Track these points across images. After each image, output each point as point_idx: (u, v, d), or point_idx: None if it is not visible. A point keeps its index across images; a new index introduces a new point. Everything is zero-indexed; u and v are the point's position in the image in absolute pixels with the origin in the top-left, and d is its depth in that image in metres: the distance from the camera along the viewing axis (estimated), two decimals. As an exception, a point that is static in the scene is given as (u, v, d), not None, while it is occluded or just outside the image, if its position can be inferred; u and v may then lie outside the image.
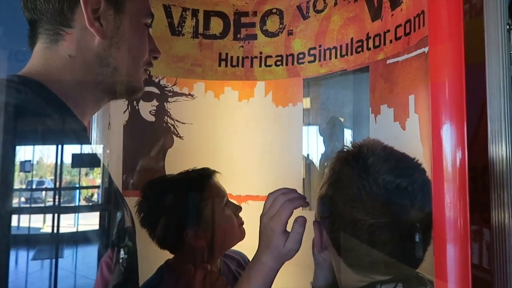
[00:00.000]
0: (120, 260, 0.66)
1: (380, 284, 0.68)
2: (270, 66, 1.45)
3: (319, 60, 1.36)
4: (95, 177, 0.68)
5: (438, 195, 0.44)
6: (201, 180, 1.06)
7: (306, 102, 1.42)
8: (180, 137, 1.41)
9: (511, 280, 0.47)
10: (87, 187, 0.64)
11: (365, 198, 0.66)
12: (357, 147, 0.71)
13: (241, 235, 1.06)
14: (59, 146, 0.61)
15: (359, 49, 1.26)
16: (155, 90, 1.39)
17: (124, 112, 1.34)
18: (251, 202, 1.40)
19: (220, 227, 1.04)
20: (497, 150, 0.54)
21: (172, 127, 1.41)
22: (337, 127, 1.46)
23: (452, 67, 0.44)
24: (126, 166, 1.33)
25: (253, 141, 1.44)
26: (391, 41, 1.16)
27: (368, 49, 1.23)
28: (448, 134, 0.45)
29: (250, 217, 1.09)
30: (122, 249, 0.67)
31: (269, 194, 0.78)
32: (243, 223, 1.06)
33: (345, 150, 0.73)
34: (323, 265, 0.85)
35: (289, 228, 0.74)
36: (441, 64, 0.45)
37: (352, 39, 1.28)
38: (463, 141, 0.43)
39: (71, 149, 0.64)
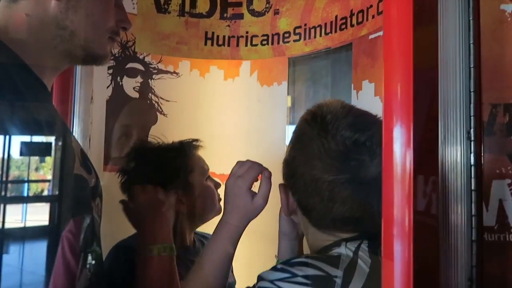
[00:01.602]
0: (87, 265, 0.66)
1: (346, 242, 0.67)
2: (256, 45, 1.44)
3: (304, 39, 1.36)
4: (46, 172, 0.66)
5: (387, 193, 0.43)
6: (187, 149, 1.07)
7: (291, 81, 1.41)
8: (164, 114, 1.41)
9: (454, 225, 0.47)
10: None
11: (324, 156, 0.66)
12: (316, 107, 0.71)
13: (219, 209, 1.07)
14: (17, 103, 0.61)
15: (343, 26, 1.26)
16: (139, 66, 1.39)
17: (107, 87, 1.34)
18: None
19: (201, 197, 1.06)
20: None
21: (156, 104, 1.40)
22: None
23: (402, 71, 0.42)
24: (108, 141, 1.32)
25: (237, 120, 1.44)
26: (373, 16, 1.15)
27: (352, 25, 1.23)
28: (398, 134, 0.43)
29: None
30: (90, 254, 0.67)
31: (237, 161, 0.80)
32: (221, 200, 1.07)
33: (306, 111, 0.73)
34: (291, 235, 0.84)
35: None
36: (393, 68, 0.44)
37: (336, 16, 1.28)
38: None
39: (30, 110, 0.63)
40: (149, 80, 1.40)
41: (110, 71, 1.34)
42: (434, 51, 0.46)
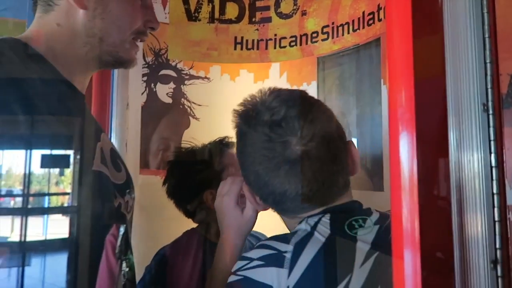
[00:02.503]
0: (122, 272, 0.69)
1: (307, 218, 0.68)
2: (284, 47, 1.45)
3: (332, 38, 1.35)
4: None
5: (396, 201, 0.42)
6: (215, 149, 1.11)
7: (321, 81, 1.40)
8: (196, 118, 1.45)
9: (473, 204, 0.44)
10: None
11: (253, 149, 0.68)
12: (239, 104, 0.73)
13: None
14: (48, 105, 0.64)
15: (371, 22, 1.23)
16: (172, 73, 1.44)
17: (142, 93, 1.40)
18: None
19: None
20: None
21: (188, 108, 1.44)
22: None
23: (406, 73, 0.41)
24: (144, 146, 1.38)
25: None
26: (401, 8, 1.12)
27: (379, 20, 1.21)
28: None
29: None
30: (124, 262, 0.70)
31: (221, 181, 0.82)
32: None
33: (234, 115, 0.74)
34: None
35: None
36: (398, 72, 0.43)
37: (363, 12, 1.26)
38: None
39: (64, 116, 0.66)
40: (181, 85, 1.45)
41: (145, 78, 1.40)
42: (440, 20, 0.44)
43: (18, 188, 0.54)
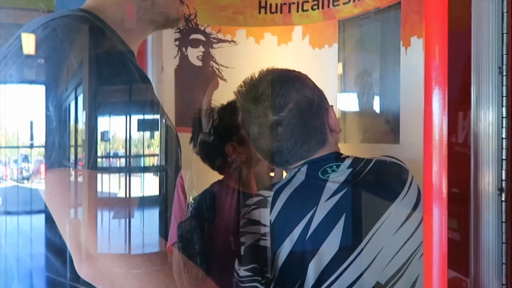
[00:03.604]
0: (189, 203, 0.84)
1: (291, 170, 0.87)
2: (306, 10, 1.53)
3: (354, 1, 1.43)
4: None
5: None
6: (234, 106, 1.20)
7: (341, 43, 1.49)
8: (224, 80, 1.55)
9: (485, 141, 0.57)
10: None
11: (246, 118, 0.89)
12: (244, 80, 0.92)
13: None
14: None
15: (392, -14, 1.31)
16: (201, 37, 1.54)
17: (175, 57, 1.50)
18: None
19: None
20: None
21: (217, 71, 1.55)
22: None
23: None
24: (178, 106, 1.50)
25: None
26: (421, -26, 1.19)
27: (400, -16, 1.28)
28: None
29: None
30: (190, 196, 0.84)
31: None
32: None
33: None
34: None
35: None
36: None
37: (384, -24, 1.33)
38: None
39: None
40: (210, 49, 1.54)
41: (177, 42, 1.50)
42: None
43: (121, 151, 0.66)
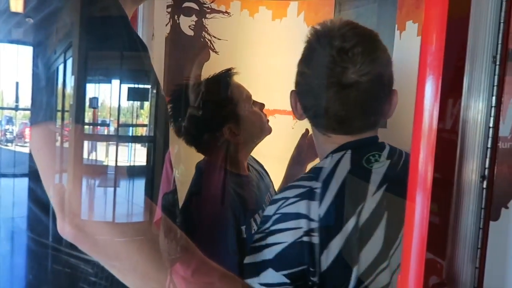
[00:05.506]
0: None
1: (331, 154, 0.81)
2: (303, -14, 1.50)
3: (352, -20, 1.40)
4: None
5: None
6: (223, 80, 1.16)
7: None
8: (216, 52, 1.53)
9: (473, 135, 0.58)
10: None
11: (316, 63, 0.79)
12: (318, 24, 0.82)
13: (269, 129, 1.19)
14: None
15: (391, -34, 1.29)
16: (194, 6, 1.50)
17: (166, 25, 1.46)
18: (278, 115, 1.53)
19: (251, 122, 1.15)
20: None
21: (209, 42, 1.52)
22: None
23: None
24: (166, 75, 1.47)
25: (283, 57, 1.53)
26: (422, -44, 1.18)
27: (400, -35, 1.26)
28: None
29: (277, 129, 1.22)
30: (177, 170, 0.82)
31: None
32: (269, 120, 1.19)
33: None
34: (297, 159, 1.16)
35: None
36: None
37: (385, -44, 1.31)
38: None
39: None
40: (203, 19, 1.51)
41: (169, 9, 1.46)
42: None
43: (109, 119, 0.64)
